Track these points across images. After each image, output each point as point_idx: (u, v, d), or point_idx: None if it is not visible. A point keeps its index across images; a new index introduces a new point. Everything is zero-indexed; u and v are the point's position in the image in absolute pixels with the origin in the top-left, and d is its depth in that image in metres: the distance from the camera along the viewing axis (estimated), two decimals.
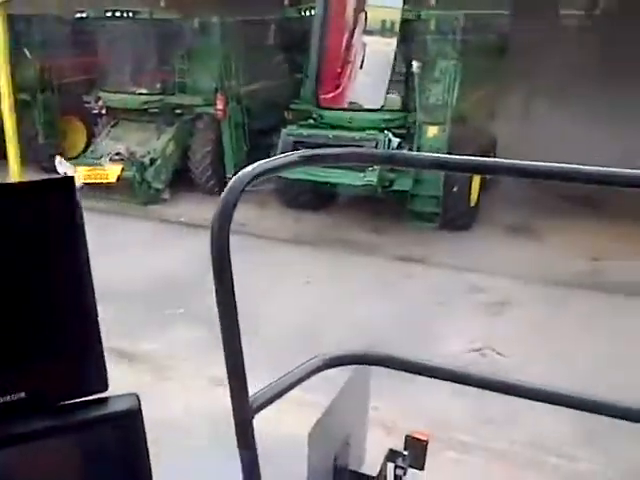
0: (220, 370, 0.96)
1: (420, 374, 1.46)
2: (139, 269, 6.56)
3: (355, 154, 1.31)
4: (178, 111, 9.27)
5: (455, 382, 1.38)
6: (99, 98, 9.43)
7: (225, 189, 1.00)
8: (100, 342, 0.65)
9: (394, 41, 7.76)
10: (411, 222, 7.82)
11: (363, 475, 1.83)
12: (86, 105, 9.66)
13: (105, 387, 0.65)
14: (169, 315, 5.69)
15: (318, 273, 6.60)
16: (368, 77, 7.85)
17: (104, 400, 0.65)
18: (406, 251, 7.22)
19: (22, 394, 0.62)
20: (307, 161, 1.21)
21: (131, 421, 0.65)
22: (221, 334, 0.99)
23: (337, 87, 7.93)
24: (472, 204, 7.90)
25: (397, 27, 7.73)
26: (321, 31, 7.72)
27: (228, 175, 8.78)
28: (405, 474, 1.85)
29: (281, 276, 6.45)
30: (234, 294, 0.98)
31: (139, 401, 0.65)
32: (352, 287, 6.29)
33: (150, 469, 0.66)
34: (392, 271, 6.81)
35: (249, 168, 1.05)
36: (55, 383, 0.64)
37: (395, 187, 7.55)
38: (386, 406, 3.72)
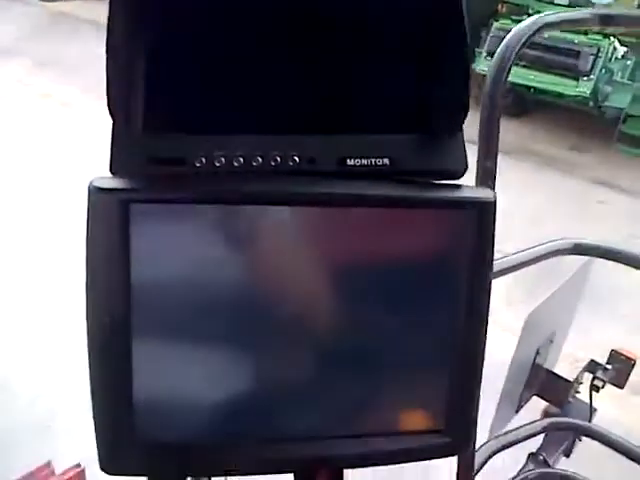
0: None
1: None
2: None
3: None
4: None
5: None
6: None
7: (501, 45, 0.91)
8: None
9: None
10: (619, 145, 7.03)
11: (559, 377, 1.74)
12: None
13: (464, 169, 0.60)
14: None
15: (507, 183, 6.25)
16: None
17: (459, 187, 0.61)
18: (607, 176, 6.57)
19: (386, 160, 0.60)
20: (600, 20, 1.05)
21: (486, 214, 0.60)
22: None
23: None
24: None
25: None
26: None
27: None
28: (603, 387, 1.73)
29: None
30: None
31: (495, 196, 0.60)
32: (540, 203, 5.92)
33: (490, 270, 0.61)
34: (587, 194, 6.28)
35: (528, 22, 0.94)
36: (419, 156, 0.61)
37: (609, 102, 6.75)
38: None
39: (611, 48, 6.54)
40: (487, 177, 0.96)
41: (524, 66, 6.80)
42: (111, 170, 0.56)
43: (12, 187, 5.09)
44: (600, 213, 5.98)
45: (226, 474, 0.63)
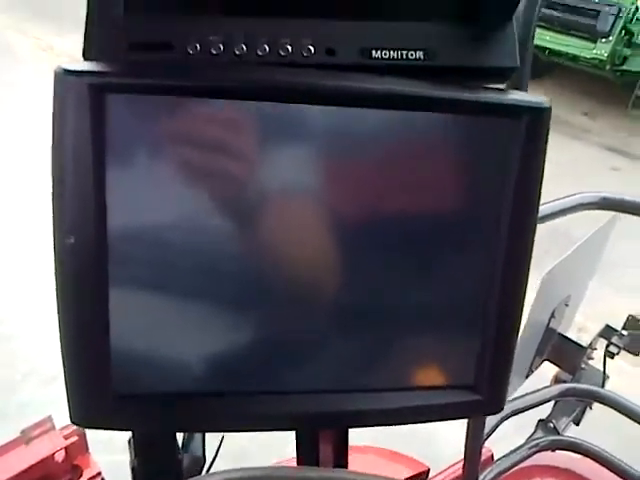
0: None
1: None
2: None
3: None
4: None
5: None
6: None
7: None
8: None
9: None
10: (634, 111, 6.85)
11: (573, 342, 1.66)
12: None
13: (514, 68, 0.50)
14: None
15: None
16: None
17: (504, 90, 0.52)
18: (619, 142, 6.42)
19: (420, 53, 0.49)
20: None
21: (541, 123, 0.50)
22: None
23: None
24: None
25: None
26: None
27: None
28: (618, 354, 1.66)
29: None
30: None
31: (550, 105, 0.50)
32: (551, 168, 5.77)
33: (539, 198, 0.51)
34: (598, 161, 6.15)
35: None
36: (462, 49, 0.50)
37: (626, 66, 6.54)
38: None
39: (633, 8, 6.30)
40: None
41: (540, 26, 6.58)
42: (85, 58, 0.46)
43: None
44: (614, 180, 5.85)
45: (219, 430, 0.55)
